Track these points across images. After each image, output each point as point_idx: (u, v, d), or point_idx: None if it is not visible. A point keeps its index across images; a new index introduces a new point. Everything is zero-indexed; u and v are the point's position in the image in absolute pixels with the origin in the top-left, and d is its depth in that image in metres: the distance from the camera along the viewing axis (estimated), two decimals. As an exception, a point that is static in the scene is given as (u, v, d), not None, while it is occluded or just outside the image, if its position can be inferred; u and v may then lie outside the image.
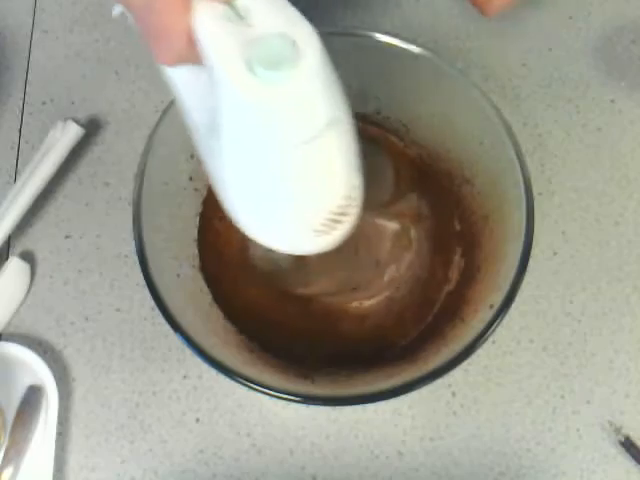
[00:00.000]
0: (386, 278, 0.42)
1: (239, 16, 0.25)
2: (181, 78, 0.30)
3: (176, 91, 0.31)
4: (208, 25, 0.25)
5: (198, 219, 0.43)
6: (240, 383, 0.33)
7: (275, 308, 0.42)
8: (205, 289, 0.42)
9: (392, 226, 0.43)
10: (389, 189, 0.44)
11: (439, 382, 0.34)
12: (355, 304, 0.42)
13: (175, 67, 0.29)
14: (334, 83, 0.27)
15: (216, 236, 0.43)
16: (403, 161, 0.45)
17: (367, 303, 0.42)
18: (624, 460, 0.41)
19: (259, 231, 0.32)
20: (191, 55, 0.25)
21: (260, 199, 0.30)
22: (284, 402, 0.34)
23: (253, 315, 0.42)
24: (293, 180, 0.28)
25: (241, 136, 0.27)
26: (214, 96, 0.26)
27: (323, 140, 0.27)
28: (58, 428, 0.40)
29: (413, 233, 0.43)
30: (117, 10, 0.31)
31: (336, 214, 0.30)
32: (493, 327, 0.34)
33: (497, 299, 0.35)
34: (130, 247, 0.36)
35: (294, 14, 0.25)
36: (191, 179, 0.43)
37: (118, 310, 0.44)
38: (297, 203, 0.30)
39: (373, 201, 0.42)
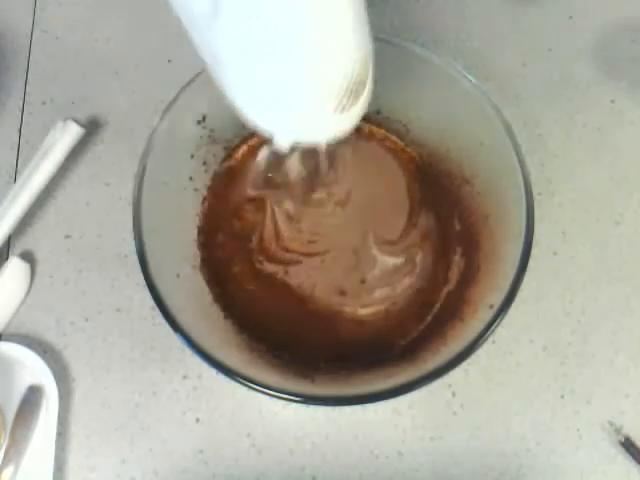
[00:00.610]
0: (377, 295, 0.42)
1: None
2: None
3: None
4: None
5: (198, 219, 0.43)
6: (240, 383, 0.33)
7: (275, 308, 0.42)
8: (205, 289, 0.42)
9: (396, 260, 0.43)
10: (401, 223, 0.44)
11: (439, 382, 0.34)
12: (349, 309, 0.42)
13: None
14: None
15: (216, 236, 0.43)
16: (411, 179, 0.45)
17: (362, 311, 0.42)
18: (624, 460, 0.41)
19: (277, 116, 0.30)
20: None
21: (276, 76, 0.28)
22: (284, 402, 0.34)
23: (253, 315, 0.42)
24: (304, 48, 0.27)
25: (241, 10, 0.26)
26: None
27: (331, 3, 0.26)
28: (58, 428, 0.40)
29: (419, 257, 0.43)
30: None
31: (355, 83, 0.29)
32: (493, 327, 0.34)
33: (497, 299, 0.35)
34: (130, 247, 0.36)
35: None
36: (191, 179, 0.43)
37: (118, 310, 0.44)
38: (313, 73, 0.28)
39: (383, 236, 0.42)
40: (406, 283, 0.43)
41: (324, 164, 0.39)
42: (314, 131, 0.31)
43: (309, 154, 0.36)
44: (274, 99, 0.29)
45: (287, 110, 0.30)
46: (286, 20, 0.26)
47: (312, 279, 0.42)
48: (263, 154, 0.39)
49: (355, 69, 0.29)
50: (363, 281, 0.42)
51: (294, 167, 0.38)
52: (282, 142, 0.31)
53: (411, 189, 0.44)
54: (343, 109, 0.30)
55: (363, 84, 0.30)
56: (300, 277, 0.42)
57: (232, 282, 0.42)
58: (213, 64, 0.30)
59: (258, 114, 0.30)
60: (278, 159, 0.38)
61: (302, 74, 0.28)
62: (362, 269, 0.42)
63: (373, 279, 0.42)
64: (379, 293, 0.42)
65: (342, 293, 0.42)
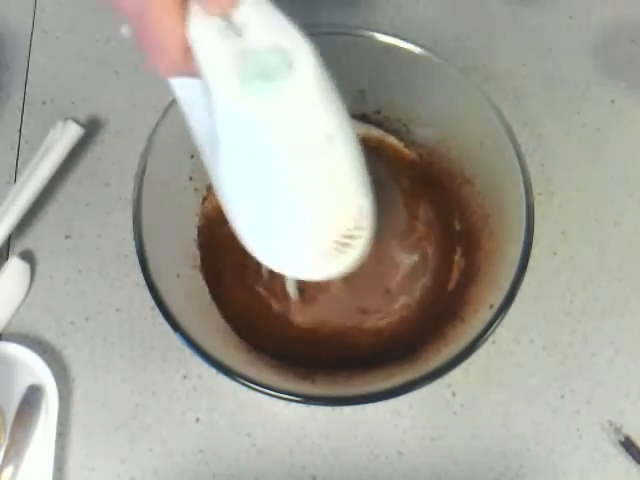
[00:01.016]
0: (397, 305, 0.42)
1: (235, 29, 0.25)
2: (182, 91, 0.30)
3: (180, 104, 0.31)
4: (202, 37, 0.25)
5: (198, 219, 0.43)
6: (240, 383, 0.33)
7: (275, 308, 0.42)
8: (205, 289, 0.42)
9: (410, 258, 0.43)
10: (403, 217, 0.44)
11: (439, 382, 0.34)
12: (369, 324, 0.42)
13: (174, 78, 0.29)
14: (332, 97, 0.27)
15: (216, 236, 0.43)
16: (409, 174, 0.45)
17: (382, 322, 0.42)
18: (624, 460, 0.41)
19: (266, 254, 0.31)
20: (187, 66, 0.26)
21: (265, 218, 0.29)
22: (284, 402, 0.34)
23: (253, 315, 0.42)
24: (297, 197, 0.28)
25: (238, 150, 0.27)
26: (210, 109, 0.26)
27: (325, 156, 0.26)
28: (58, 428, 0.40)
29: (429, 256, 0.43)
30: (125, 30, 0.32)
31: (345, 237, 0.29)
32: (493, 327, 0.34)
33: (497, 299, 0.35)
34: (130, 247, 0.36)
35: (289, 28, 0.26)
36: (191, 179, 0.43)
37: (118, 310, 0.44)
38: (303, 222, 0.29)
39: (390, 231, 0.43)
40: (420, 285, 0.42)
41: None
42: (304, 271, 0.32)
43: None
44: (263, 235, 0.30)
45: (277, 251, 0.31)
46: (274, 184, 0.27)
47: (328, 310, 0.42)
48: None
49: (343, 223, 0.29)
50: (388, 291, 0.42)
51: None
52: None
53: (407, 195, 0.44)
54: (333, 257, 0.30)
55: (353, 237, 0.30)
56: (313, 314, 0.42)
57: (232, 282, 0.42)
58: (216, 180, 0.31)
59: (252, 246, 0.31)
60: None
61: (289, 226, 0.29)
62: (385, 278, 0.42)
63: (396, 286, 0.42)
64: (399, 303, 0.42)
65: (364, 312, 0.42)
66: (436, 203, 0.44)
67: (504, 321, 0.35)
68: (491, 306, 0.35)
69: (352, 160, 0.28)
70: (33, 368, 0.41)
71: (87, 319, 0.44)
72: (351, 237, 0.30)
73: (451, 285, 0.42)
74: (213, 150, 0.28)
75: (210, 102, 0.25)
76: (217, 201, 0.44)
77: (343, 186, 0.29)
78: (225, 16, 0.25)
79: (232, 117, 0.25)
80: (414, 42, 0.40)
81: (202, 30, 0.25)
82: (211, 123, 0.26)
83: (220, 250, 0.43)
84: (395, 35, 0.40)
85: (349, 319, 0.42)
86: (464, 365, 0.34)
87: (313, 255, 0.30)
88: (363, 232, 0.30)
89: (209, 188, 0.44)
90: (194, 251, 0.42)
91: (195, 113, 0.31)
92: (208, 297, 0.42)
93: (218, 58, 0.25)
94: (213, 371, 0.34)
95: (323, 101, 0.26)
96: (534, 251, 0.36)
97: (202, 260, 0.42)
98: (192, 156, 0.42)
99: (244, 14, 0.25)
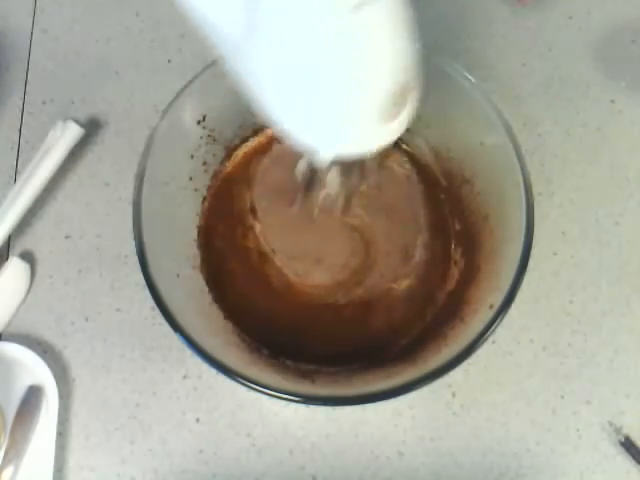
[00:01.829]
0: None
1: None
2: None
3: (198, 13, 0.29)
4: None
5: (198, 219, 0.43)
6: (240, 383, 0.33)
7: (275, 308, 0.42)
8: (205, 289, 0.42)
9: (409, 258, 0.43)
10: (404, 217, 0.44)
11: (439, 382, 0.34)
12: (369, 317, 0.42)
13: None
14: None
15: (216, 236, 0.43)
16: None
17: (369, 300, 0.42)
18: (624, 460, 0.41)
19: (323, 131, 0.29)
20: None
21: (322, 91, 0.27)
22: (284, 402, 0.34)
23: (253, 315, 0.42)
24: (354, 55, 0.26)
25: (288, 14, 0.25)
26: None
27: (375, 8, 0.25)
28: (58, 428, 0.40)
29: (430, 255, 0.43)
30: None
31: (401, 90, 0.28)
32: (493, 327, 0.34)
33: (497, 299, 0.35)
34: (130, 247, 0.36)
35: None
36: (191, 179, 0.43)
37: (118, 310, 0.44)
38: (365, 81, 0.27)
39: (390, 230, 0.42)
40: (406, 283, 0.43)
41: (357, 176, 0.38)
42: (363, 142, 0.30)
43: (347, 167, 0.35)
44: (320, 114, 0.28)
45: (335, 124, 0.29)
46: (330, 37, 0.26)
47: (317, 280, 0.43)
48: (299, 168, 0.38)
49: (404, 76, 0.28)
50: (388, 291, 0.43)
51: (333, 181, 0.37)
52: (325, 157, 0.30)
53: (411, 193, 0.45)
54: (393, 117, 0.29)
55: (411, 89, 0.29)
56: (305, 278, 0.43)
57: (232, 282, 0.42)
58: (248, 82, 0.29)
59: (301, 130, 0.29)
60: (314, 173, 0.37)
61: (350, 87, 0.27)
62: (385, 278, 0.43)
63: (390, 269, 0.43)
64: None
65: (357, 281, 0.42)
66: (436, 203, 0.44)
67: (504, 321, 0.35)
68: (491, 306, 0.35)
69: (400, 14, 0.27)
70: (33, 368, 0.41)
71: (87, 319, 0.44)
72: (405, 90, 0.29)
73: (451, 285, 0.42)
74: (248, 39, 0.27)
75: None
76: (217, 201, 0.44)
77: (391, 40, 0.27)
78: None
79: None
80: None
81: None
82: (244, 10, 0.25)
83: (220, 250, 0.43)
84: (395, 35, 0.40)
85: (349, 309, 0.42)
86: (464, 365, 0.34)
87: (375, 116, 0.28)
88: (414, 86, 0.29)
89: (209, 188, 0.44)
90: (194, 251, 0.42)
91: (217, 11, 0.28)
92: (208, 297, 0.42)
93: None
94: (213, 371, 0.34)
95: None
96: (534, 251, 0.36)
97: (202, 260, 0.42)
98: (192, 156, 0.42)
99: None
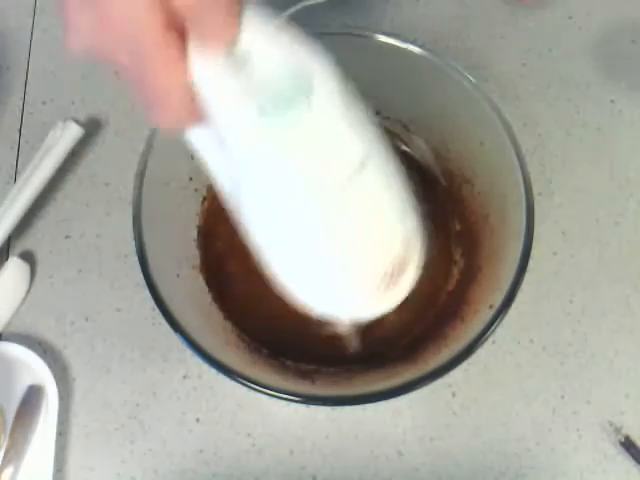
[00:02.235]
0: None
1: (240, 62, 0.22)
2: (198, 140, 0.27)
3: (197, 155, 0.28)
4: (207, 79, 0.22)
5: (198, 219, 0.43)
6: (240, 383, 0.33)
7: (275, 308, 0.42)
8: (205, 289, 0.42)
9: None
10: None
11: (439, 382, 0.34)
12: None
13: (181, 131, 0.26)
14: (359, 115, 0.24)
15: (216, 236, 0.43)
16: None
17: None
18: (624, 460, 0.41)
19: (314, 300, 0.28)
20: (193, 118, 0.23)
21: (303, 262, 0.26)
22: (284, 402, 0.34)
23: (253, 315, 0.42)
24: (341, 231, 0.25)
25: (265, 193, 0.24)
26: (228, 155, 0.23)
27: (362, 180, 0.24)
28: (58, 428, 0.40)
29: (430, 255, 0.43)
30: None
31: (398, 264, 0.27)
32: (493, 327, 0.34)
33: (497, 299, 0.35)
34: (130, 247, 0.36)
35: (302, 48, 0.23)
36: (191, 179, 0.42)
37: (118, 310, 0.44)
38: (352, 257, 0.26)
39: None
40: (419, 285, 0.42)
41: None
42: (360, 311, 0.29)
43: None
44: (308, 279, 0.28)
45: (327, 295, 0.28)
46: (314, 221, 0.25)
47: None
48: None
49: (394, 251, 0.26)
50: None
51: None
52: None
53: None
54: (388, 289, 0.27)
55: (406, 262, 0.27)
56: None
57: (232, 282, 0.42)
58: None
59: (296, 294, 0.29)
60: None
61: (338, 266, 0.26)
62: None
63: None
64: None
65: None
66: (436, 203, 0.44)
67: (504, 321, 0.35)
68: (491, 306, 0.35)
69: (391, 181, 0.26)
70: (33, 368, 0.41)
71: (87, 319, 0.44)
72: (402, 264, 0.27)
73: (451, 285, 0.42)
74: (238, 196, 0.26)
75: (228, 147, 0.23)
76: (217, 201, 0.44)
77: (384, 213, 0.26)
78: (228, 49, 0.22)
79: (253, 158, 0.23)
80: (414, 42, 0.40)
81: (206, 72, 0.22)
82: (232, 169, 0.24)
83: (220, 250, 0.43)
84: (395, 35, 0.40)
85: None
86: (464, 365, 0.34)
87: (364, 294, 0.27)
88: (414, 256, 0.28)
89: (209, 188, 0.44)
90: (194, 251, 0.42)
91: (212, 159, 0.27)
92: (208, 297, 0.42)
93: (228, 97, 0.22)
94: (213, 371, 0.34)
95: (351, 122, 0.23)
96: (534, 251, 0.36)
97: (202, 260, 0.42)
98: (192, 156, 0.42)
99: (247, 40, 0.22)
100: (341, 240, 0.25)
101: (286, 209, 0.24)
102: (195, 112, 0.23)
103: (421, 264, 0.29)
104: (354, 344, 0.36)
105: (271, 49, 0.22)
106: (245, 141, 0.22)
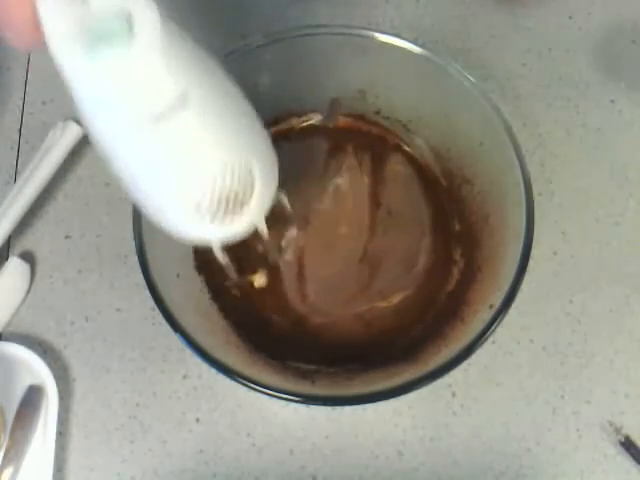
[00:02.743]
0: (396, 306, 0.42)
1: None
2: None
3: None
4: (46, 7, 0.24)
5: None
6: (240, 383, 0.33)
7: (275, 308, 0.42)
8: (205, 289, 0.42)
9: (409, 258, 0.43)
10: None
11: (439, 382, 0.34)
12: (357, 311, 0.42)
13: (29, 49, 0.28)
14: (190, 59, 0.26)
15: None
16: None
17: (369, 313, 0.42)
18: (624, 460, 0.41)
19: (156, 218, 0.30)
20: (38, 39, 0.25)
21: (136, 178, 0.29)
22: (284, 402, 0.34)
23: (253, 315, 0.42)
24: (156, 161, 0.27)
25: (93, 119, 0.26)
26: (63, 78, 0.25)
27: (179, 117, 0.26)
28: (58, 428, 0.40)
29: (421, 257, 0.43)
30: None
31: (230, 199, 0.28)
32: (493, 327, 0.34)
33: (497, 299, 0.35)
34: (130, 247, 0.36)
35: None
36: (191, 179, 0.42)
37: (118, 310, 0.44)
38: (172, 186, 0.28)
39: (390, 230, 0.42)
40: (419, 286, 0.42)
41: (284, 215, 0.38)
42: (199, 236, 0.31)
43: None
44: (144, 196, 0.30)
45: (161, 213, 0.30)
46: (132, 148, 0.27)
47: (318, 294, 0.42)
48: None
49: (223, 184, 0.28)
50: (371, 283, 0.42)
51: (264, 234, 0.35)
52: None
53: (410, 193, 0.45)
54: (222, 220, 0.29)
55: (245, 194, 0.29)
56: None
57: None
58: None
59: (139, 205, 0.31)
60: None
61: (161, 189, 0.29)
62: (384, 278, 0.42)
63: (384, 282, 0.42)
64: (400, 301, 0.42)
65: (364, 309, 0.42)
66: (436, 203, 0.44)
67: (504, 321, 0.35)
68: (491, 306, 0.35)
69: (220, 118, 0.28)
70: (33, 368, 0.41)
71: (87, 319, 0.44)
72: (239, 200, 0.29)
73: (451, 285, 0.42)
74: (77, 111, 0.27)
75: (61, 72, 0.25)
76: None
77: (214, 145, 0.28)
78: None
79: (79, 86, 0.25)
80: (414, 42, 0.40)
81: (48, 1, 0.24)
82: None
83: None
84: (395, 35, 0.40)
85: (349, 311, 0.42)
86: (464, 365, 0.34)
87: (202, 219, 0.29)
88: (253, 194, 0.29)
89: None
90: (194, 251, 0.42)
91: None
92: (208, 297, 0.42)
93: (61, 26, 0.24)
94: (213, 371, 0.34)
95: (171, 62, 0.25)
96: (534, 251, 0.36)
97: (202, 260, 0.42)
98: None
99: None
100: (158, 171, 0.28)
101: (108, 140, 0.27)
102: (39, 34, 0.25)
103: (267, 204, 0.31)
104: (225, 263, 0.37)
105: None
106: (68, 71, 0.25)
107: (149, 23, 0.24)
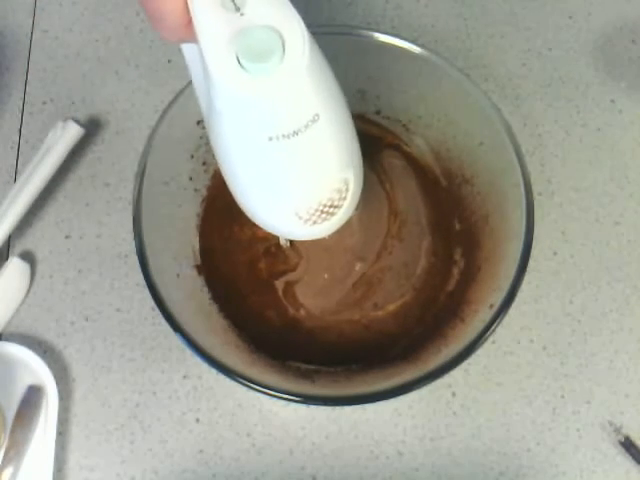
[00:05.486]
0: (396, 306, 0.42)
1: (235, 3, 0.25)
2: (189, 54, 0.30)
3: (188, 66, 0.31)
4: (202, 9, 0.25)
5: (198, 219, 0.43)
6: (240, 383, 0.33)
7: (275, 308, 0.42)
8: (205, 289, 0.42)
9: (409, 258, 0.43)
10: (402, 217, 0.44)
11: (439, 382, 0.34)
12: (357, 316, 0.42)
13: (182, 44, 0.30)
14: (323, 76, 0.27)
15: (216, 236, 0.43)
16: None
17: (370, 316, 0.42)
18: (624, 460, 0.41)
19: (253, 211, 0.32)
20: (188, 35, 0.26)
21: (249, 182, 0.30)
22: (284, 402, 0.34)
23: (252, 315, 0.42)
24: (274, 171, 0.29)
25: (227, 122, 0.27)
26: (206, 77, 0.26)
27: (306, 135, 0.27)
28: (58, 428, 0.40)
29: (421, 256, 0.43)
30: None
31: (326, 206, 0.31)
32: (493, 327, 0.34)
33: (497, 299, 0.35)
34: (130, 247, 0.36)
35: (289, 9, 0.26)
36: (191, 179, 0.43)
37: (118, 310, 0.44)
38: (280, 194, 0.30)
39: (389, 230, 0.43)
40: (419, 286, 0.42)
41: None
42: (286, 233, 0.35)
43: None
44: (249, 196, 0.32)
45: (262, 212, 0.32)
46: (254, 157, 0.29)
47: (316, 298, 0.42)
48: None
49: (322, 196, 0.30)
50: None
51: None
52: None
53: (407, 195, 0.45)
54: (314, 223, 0.32)
55: (335, 206, 0.31)
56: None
57: (232, 282, 0.42)
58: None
59: (241, 203, 0.33)
60: None
61: (269, 195, 0.31)
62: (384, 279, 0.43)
63: (384, 289, 0.42)
64: (400, 301, 0.42)
65: (364, 308, 0.42)
66: (436, 203, 0.44)
67: (504, 321, 0.35)
68: (491, 306, 0.35)
69: (338, 136, 0.29)
70: (33, 368, 0.41)
71: (87, 319, 0.44)
72: (332, 206, 0.31)
73: (451, 285, 0.42)
74: (210, 114, 0.29)
75: (205, 72, 0.26)
76: (217, 201, 0.44)
77: (327, 161, 0.29)
78: None
79: (224, 91, 0.26)
80: (414, 42, 0.40)
81: (203, 2, 0.25)
82: (207, 90, 0.27)
83: (220, 250, 0.43)
84: (395, 35, 0.40)
85: (350, 314, 0.42)
86: (464, 365, 0.34)
87: (293, 220, 0.31)
88: (345, 202, 0.32)
89: (209, 188, 0.44)
90: (194, 251, 0.42)
91: (196, 75, 0.31)
92: (208, 296, 0.42)
93: (216, 33, 0.25)
94: (213, 371, 0.34)
95: (313, 82, 0.26)
96: (534, 251, 0.36)
97: (202, 260, 0.42)
98: (192, 156, 0.42)
99: None
100: (276, 177, 0.29)
101: (247, 142, 0.28)
102: (189, 30, 0.26)
103: (353, 209, 0.33)
104: (286, 244, 0.42)
105: (264, 1, 0.26)
106: (217, 76, 0.25)
107: (300, 42, 0.25)
